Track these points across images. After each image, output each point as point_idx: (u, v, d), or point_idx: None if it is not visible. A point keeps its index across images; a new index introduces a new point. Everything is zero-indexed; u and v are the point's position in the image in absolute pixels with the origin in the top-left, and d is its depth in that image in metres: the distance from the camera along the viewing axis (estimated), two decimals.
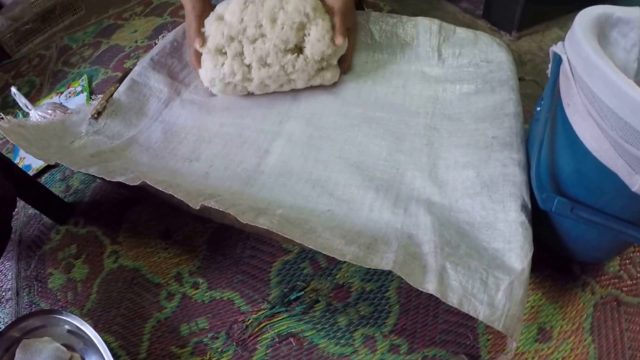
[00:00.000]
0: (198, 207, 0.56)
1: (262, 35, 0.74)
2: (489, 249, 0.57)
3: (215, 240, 0.71)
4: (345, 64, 0.82)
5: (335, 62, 0.79)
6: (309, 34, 0.74)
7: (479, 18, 1.09)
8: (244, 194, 0.66)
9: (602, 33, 0.58)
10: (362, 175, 0.67)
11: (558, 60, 0.56)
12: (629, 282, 0.68)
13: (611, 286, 0.67)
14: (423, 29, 0.83)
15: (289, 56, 0.74)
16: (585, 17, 0.54)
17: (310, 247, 0.51)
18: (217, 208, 0.55)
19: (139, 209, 0.78)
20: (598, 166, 0.50)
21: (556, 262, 0.67)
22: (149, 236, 0.74)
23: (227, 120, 0.78)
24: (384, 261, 0.51)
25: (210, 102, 0.81)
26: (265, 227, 0.53)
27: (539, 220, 0.61)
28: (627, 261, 0.69)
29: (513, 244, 0.56)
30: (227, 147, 0.74)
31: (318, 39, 0.74)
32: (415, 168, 0.67)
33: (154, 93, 0.83)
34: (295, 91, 0.80)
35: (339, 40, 0.75)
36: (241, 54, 0.75)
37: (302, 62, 0.75)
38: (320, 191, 0.66)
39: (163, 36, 0.94)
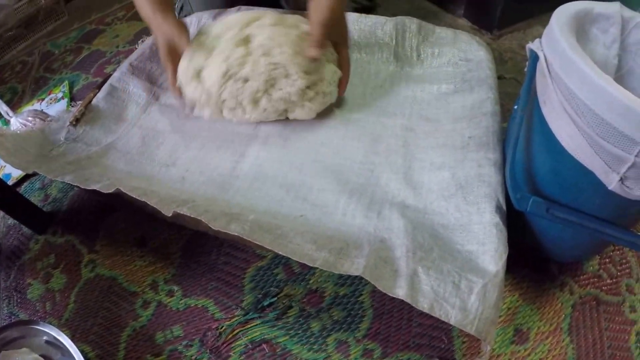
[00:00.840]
0: (170, 214, 0.58)
1: (243, 109, 0.74)
2: (462, 252, 0.58)
3: (190, 247, 0.73)
4: (341, 88, 0.77)
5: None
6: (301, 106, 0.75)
7: (460, 17, 1.10)
8: (219, 199, 0.68)
9: (582, 29, 0.58)
10: (336, 179, 0.68)
11: (535, 57, 0.57)
12: (608, 281, 0.69)
13: (590, 285, 0.68)
14: (402, 29, 0.85)
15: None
16: (564, 13, 0.54)
17: (280, 253, 0.53)
18: (189, 215, 0.57)
19: (116, 217, 0.79)
20: (574, 164, 0.51)
21: (534, 262, 0.68)
22: (125, 244, 0.75)
23: (205, 124, 0.79)
24: (354, 266, 0.52)
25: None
26: (237, 234, 0.54)
27: (517, 220, 0.62)
28: (607, 260, 0.70)
29: (487, 246, 0.57)
30: (204, 152, 0.75)
31: (309, 110, 0.75)
32: (390, 170, 0.69)
33: (133, 98, 0.85)
34: None
35: (312, 52, 0.69)
36: (222, 110, 0.76)
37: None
38: (294, 195, 0.67)
39: (143, 40, 0.96)
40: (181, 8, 0.99)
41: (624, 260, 0.70)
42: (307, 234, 0.57)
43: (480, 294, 0.52)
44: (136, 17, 1.32)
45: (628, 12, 0.58)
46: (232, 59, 0.69)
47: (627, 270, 0.70)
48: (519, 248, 0.65)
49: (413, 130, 0.73)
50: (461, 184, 0.64)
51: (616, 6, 0.59)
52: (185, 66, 0.72)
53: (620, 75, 0.63)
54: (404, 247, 0.56)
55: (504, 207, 0.61)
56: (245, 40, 0.70)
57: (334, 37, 0.74)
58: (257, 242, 0.53)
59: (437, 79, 0.81)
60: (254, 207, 0.66)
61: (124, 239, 0.76)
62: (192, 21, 0.91)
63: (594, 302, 0.66)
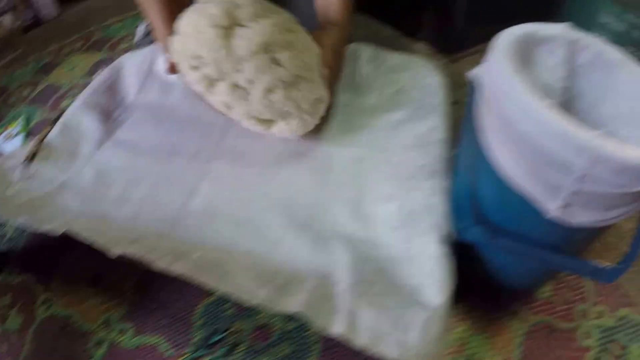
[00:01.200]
0: (117, 254, 0.59)
1: (247, 95, 0.72)
2: (408, 285, 0.60)
3: (143, 283, 0.74)
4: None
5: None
6: None
7: (419, 41, 1.12)
8: (170, 236, 0.69)
9: (527, 53, 0.59)
10: (285, 213, 0.70)
11: (476, 84, 0.59)
12: (563, 306, 0.69)
13: (543, 312, 0.69)
14: (354, 57, 0.87)
15: None
16: (507, 37, 0.55)
17: (223, 291, 0.54)
18: (135, 254, 0.58)
19: (72, 255, 0.80)
20: (516, 193, 0.52)
21: (485, 290, 0.69)
22: (80, 282, 0.76)
23: (158, 159, 0.80)
24: (294, 303, 0.54)
25: (142, 141, 0.84)
26: (181, 273, 0.56)
27: (466, 249, 0.63)
28: (561, 285, 0.71)
29: (433, 278, 0.58)
30: (156, 188, 0.76)
31: (304, 123, 0.77)
32: (340, 203, 0.70)
33: (87, 134, 0.85)
34: (225, 127, 0.83)
35: (325, 71, 0.73)
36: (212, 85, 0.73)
37: None
38: (244, 231, 0.68)
39: (98, 74, 0.97)
40: (147, 34, 1.01)
41: (578, 286, 0.71)
42: (252, 271, 0.59)
43: (422, 328, 0.53)
44: (95, 46, 1.35)
45: (575, 34, 0.59)
46: (277, 37, 0.66)
47: (581, 296, 0.71)
48: (470, 276, 0.65)
49: (364, 160, 0.75)
50: (409, 215, 0.66)
51: (563, 28, 0.61)
52: (213, 11, 0.65)
53: (568, 99, 0.64)
54: (346, 282, 0.58)
55: (452, 237, 0.63)
56: (289, 30, 0.68)
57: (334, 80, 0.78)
58: (200, 281, 0.55)
59: (389, 107, 0.82)
60: (203, 243, 0.67)
61: (79, 277, 0.77)
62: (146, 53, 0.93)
63: (547, 330, 0.67)
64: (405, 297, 0.58)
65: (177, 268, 0.56)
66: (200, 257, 0.60)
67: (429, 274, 0.59)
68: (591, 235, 0.59)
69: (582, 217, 0.50)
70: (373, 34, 1.16)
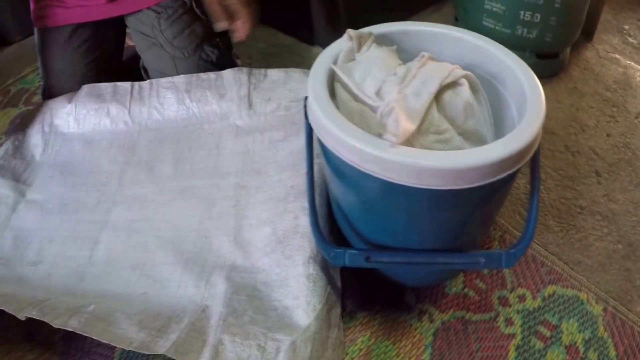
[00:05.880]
0: (24, 319, 0.70)
1: None
2: (279, 308, 0.70)
3: (69, 334, 0.86)
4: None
5: None
6: None
7: (314, 46, 1.20)
8: (77, 290, 0.80)
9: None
10: (174, 251, 0.81)
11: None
12: (476, 297, 0.72)
13: (454, 308, 0.72)
14: (231, 81, 0.95)
15: None
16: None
17: (104, 341, 0.65)
18: (36, 317, 0.68)
19: (4, 313, 0.93)
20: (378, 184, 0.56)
21: (386, 296, 0.73)
22: (15, 340, 0.88)
23: (64, 215, 0.92)
24: (165, 344, 0.64)
25: (51, 199, 0.95)
26: (72, 329, 0.66)
27: None
28: (474, 275, 0.74)
29: (300, 300, 0.68)
30: (65, 244, 0.88)
31: None
32: (222, 233, 0.81)
33: (2, 200, 0.97)
34: (121, 173, 0.94)
35: None
36: None
37: None
38: (139, 274, 0.80)
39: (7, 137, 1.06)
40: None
41: (494, 272, 0.73)
42: (137, 316, 0.69)
43: (288, 352, 0.63)
44: (11, 103, 1.42)
45: None
46: None
47: (499, 282, 0.73)
48: (374, 280, 0.70)
49: (245, 187, 0.86)
50: (280, 239, 0.76)
51: None
52: None
53: None
54: (218, 314, 0.69)
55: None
56: None
57: None
58: (87, 335, 0.65)
59: (268, 126, 0.92)
60: (105, 292, 0.79)
61: (13, 336, 0.88)
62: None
63: (460, 325, 0.70)
64: (273, 322, 0.68)
65: (71, 325, 0.67)
66: (93, 310, 0.70)
67: (297, 296, 0.69)
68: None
69: None
70: (272, 46, 1.25)
